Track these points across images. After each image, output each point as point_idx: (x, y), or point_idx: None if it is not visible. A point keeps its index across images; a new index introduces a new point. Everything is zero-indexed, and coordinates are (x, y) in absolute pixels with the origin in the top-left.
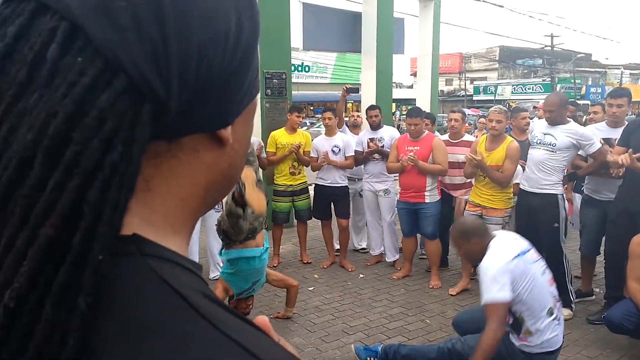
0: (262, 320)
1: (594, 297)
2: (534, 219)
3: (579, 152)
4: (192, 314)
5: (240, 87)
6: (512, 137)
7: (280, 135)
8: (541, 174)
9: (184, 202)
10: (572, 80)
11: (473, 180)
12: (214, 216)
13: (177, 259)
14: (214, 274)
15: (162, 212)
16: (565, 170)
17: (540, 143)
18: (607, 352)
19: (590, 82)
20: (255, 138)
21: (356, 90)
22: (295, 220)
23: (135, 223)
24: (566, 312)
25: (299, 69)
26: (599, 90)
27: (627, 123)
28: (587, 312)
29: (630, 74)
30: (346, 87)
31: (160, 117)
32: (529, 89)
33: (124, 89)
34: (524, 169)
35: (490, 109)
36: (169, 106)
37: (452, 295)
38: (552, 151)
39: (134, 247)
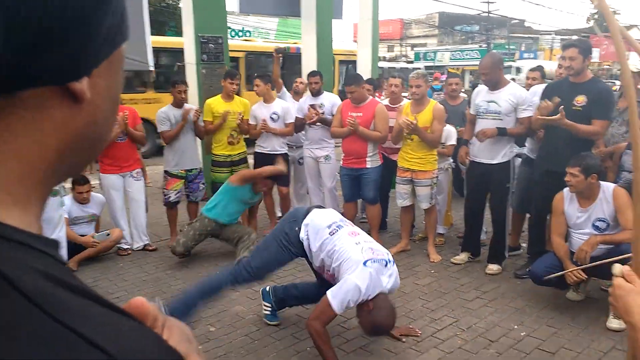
0: (136, 302)
1: (521, 251)
2: (487, 179)
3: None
4: (18, 298)
5: (95, 33)
6: (446, 102)
7: (217, 104)
8: (495, 145)
9: (28, 167)
10: (507, 46)
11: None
12: (135, 185)
13: (13, 235)
14: (138, 244)
15: None
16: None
17: (486, 112)
18: (533, 302)
19: (523, 48)
20: (190, 105)
21: (283, 50)
22: None
23: None
24: (495, 267)
25: (240, 34)
26: (532, 55)
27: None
28: (514, 266)
29: (561, 39)
30: (275, 49)
31: None
32: (466, 54)
33: None
34: (467, 139)
35: (410, 75)
36: None
37: None
38: (500, 119)
39: None
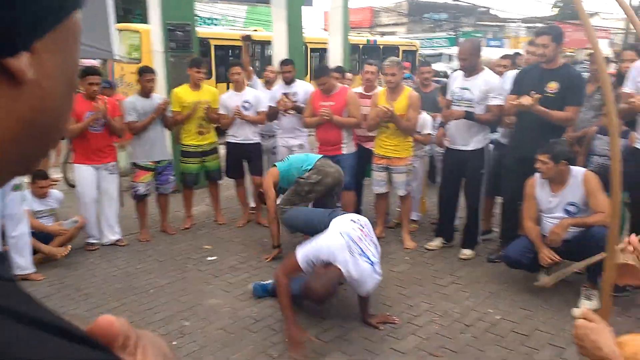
0: (103, 323)
1: (492, 234)
2: (462, 166)
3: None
4: None
5: None
6: (419, 90)
7: (184, 93)
8: (468, 132)
9: None
10: (474, 34)
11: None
12: (109, 179)
13: None
14: (109, 239)
15: None
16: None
17: (460, 99)
18: (506, 286)
19: (490, 36)
20: (157, 95)
21: (249, 37)
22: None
23: None
24: (469, 252)
25: (208, 22)
26: (498, 43)
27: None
28: (487, 251)
29: (527, 27)
30: (242, 37)
31: None
32: (435, 42)
33: None
34: (443, 124)
35: (384, 62)
36: None
37: None
38: (472, 107)
39: None
